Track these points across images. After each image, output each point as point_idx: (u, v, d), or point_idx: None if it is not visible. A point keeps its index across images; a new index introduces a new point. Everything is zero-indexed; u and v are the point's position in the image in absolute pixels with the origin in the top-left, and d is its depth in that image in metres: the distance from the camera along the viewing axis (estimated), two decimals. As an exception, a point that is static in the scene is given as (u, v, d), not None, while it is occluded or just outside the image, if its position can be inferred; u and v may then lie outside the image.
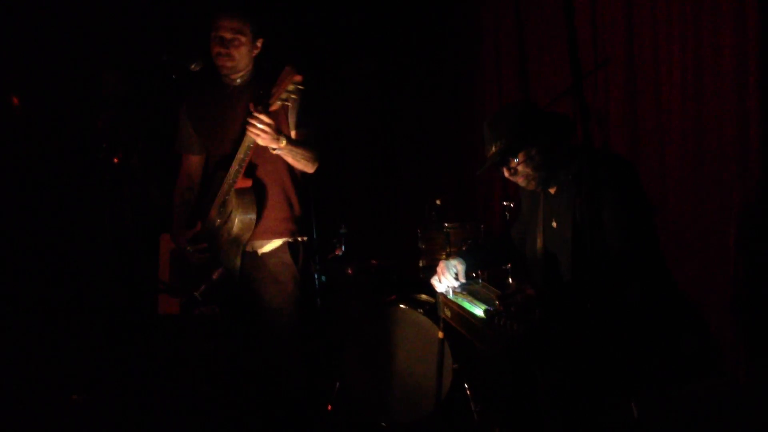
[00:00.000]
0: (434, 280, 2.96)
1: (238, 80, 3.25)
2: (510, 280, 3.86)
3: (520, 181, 2.69)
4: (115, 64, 4.36)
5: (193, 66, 3.09)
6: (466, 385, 3.70)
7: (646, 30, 3.84)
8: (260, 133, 2.91)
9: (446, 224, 4.10)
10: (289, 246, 3.23)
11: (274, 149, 3.00)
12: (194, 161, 3.41)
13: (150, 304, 4.42)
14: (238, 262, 3.16)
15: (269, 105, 2.93)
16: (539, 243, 2.75)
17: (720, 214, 3.46)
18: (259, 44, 3.23)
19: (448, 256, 3.03)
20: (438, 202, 4.31)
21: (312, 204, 3.41)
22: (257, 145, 2.99)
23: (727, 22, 3.36)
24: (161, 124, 3.65)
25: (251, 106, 2.94)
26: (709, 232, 3.52)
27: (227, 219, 3.12)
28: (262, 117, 2.89)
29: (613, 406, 2.40)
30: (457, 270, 2.93)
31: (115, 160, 3.70)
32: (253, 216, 3.11)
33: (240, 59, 3.17)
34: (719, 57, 3.43)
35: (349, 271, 4.39)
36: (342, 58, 5.56)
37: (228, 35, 3.13)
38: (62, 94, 4.68)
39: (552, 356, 2.34)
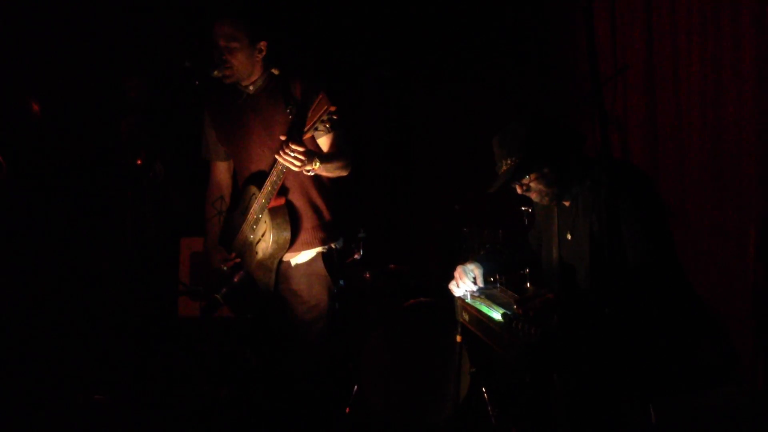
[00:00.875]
0: (452, 285, 2.97)
1: (251, 87, 3.15)
2: (528, 284, 3.86)
3: (534, 196, 2.70)
4: (137, 71, 4.42)
5: (215, 72, 3.00)
6: (484, 389, 3.71)
7: (666, 36, 3.84)
8: (294, 161, 2.83)
9: (464, 229, 4.11)
10: (323, 256, 3.18)
11: (309, 171, 2.93)
12: (222, 167, 3.36)
13: (170, 307, 4.47)
14: (273, 279, 3.11)
15: (303, 134, 2.84)
16: (555, 254, 2.75)
17: (739, 220, 3.45)
18: (262, 47, 3.08)
19: (465, 261, 3.03)
20: (456, 207, 4.32)
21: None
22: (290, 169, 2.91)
23: (747, 27, 3.36)
24: (184, 130, 3.67)
25: (283, 136, 2.86)
26: (729, 239, 3.51)
27: (261, 238, 3.07)
28: (296, 147, 2.81)
29: (630, 411, 2.40)
30: (474, 274, 2.94)
31: (138, 162, 3.72)
32: (288, 235, 3.05)
33: (239, 66, 3.05)
34: (739, 63, 3.42)
35: (367, 276, 4.41)
36: (361, 64, 5.58)
37: (222, 42, 3.02)
38: (85, 100, 4.74)
39: (570, 361, 2.35)
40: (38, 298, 4.35)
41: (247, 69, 3.09)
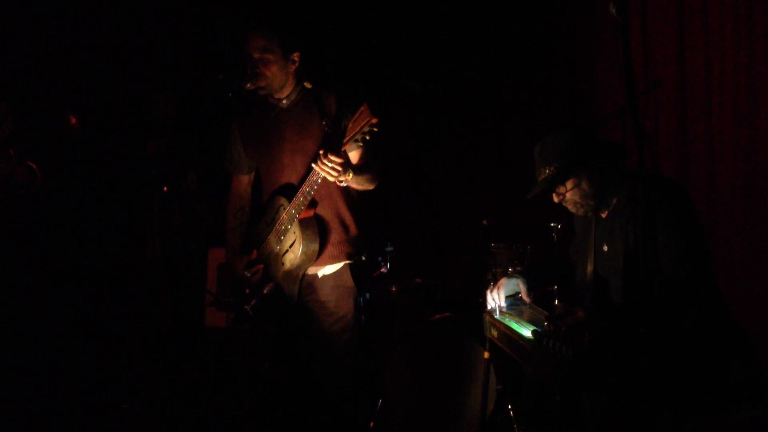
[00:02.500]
0: (488, 292, 2.96)
1: (285, 101, 3.16)
2: (556, 301, 3.83)
3: (569, 207, 2.70)
4: (163, 88, 4.46)
5: (248, 85, 3.02)
6: (510, 407, 3.68)
7: (698, 52, 3.81)
8: (331, 171, 2.81)
9: (493, 244, 4.09)
10: (350, 268, 3.18)
11: (342, 182, 2.93)
12: (244, 180, 3.38)
13: (197, 317, 4.50)
14: (297, 289, 3.10)
15: (343, 145, 2.82)
16: (590, 267, 2.74)
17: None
18: (295, 57, 3.10)
19: (511, 274, 3.02)
20: (484, 222, 4.31)
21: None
22: (324, 180, 2.90)
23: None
24: (215, 142, 3.69)
25: (322, 150, 2.82)
26: (761, 257, 3.47)
27: (288, 249, 3.06)
28: (334, 158, 2.79)
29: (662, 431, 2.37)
30: (519, 290, 2.92)
31: (165, 189, 3.75)
32: (316, 247, 3.05)
33: (273, 78, 3.06)
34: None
35: (394, 289, 4.40)
36: (388, 78, 5.60)
37: (256, 54, 3.03)
38: (116, 114, 4.80)
39: (601, 380, 2.32)
40: (66, 307, 4.39)
41: (280, 81, 3.10)
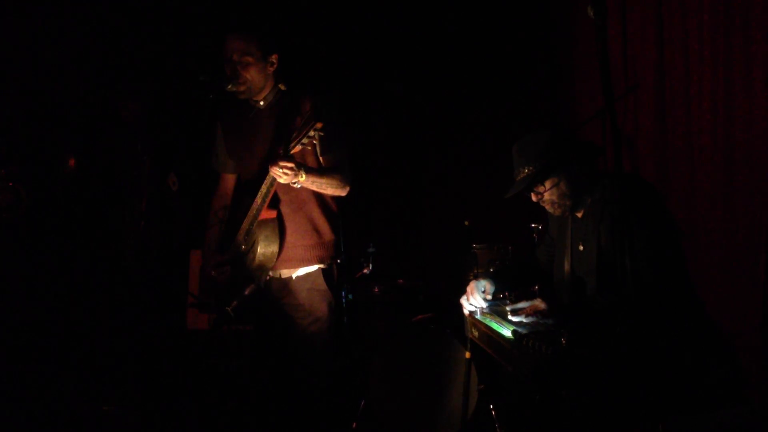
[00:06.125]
0: (463, 299, 2.98)
1: (262, 102, 3.18)
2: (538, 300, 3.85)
3: (547, 207, 2.75)
4: (132, 94, 4.45)
5: (229, 87, 3.03)
6: (492, 407, 3.70)
7: (677, 54, 3.85)
8: (282, 175, 2.88)
9: (474, 245, 4.11)
10: (323, 272, 3.20)
11: (295, 183, 2.95)
12: (230, 179, 3.39)
13: (179, 319, 4.48)
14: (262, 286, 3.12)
15: (289, 149, 2.89)
16: (567, 266, 2.77)
17: (750, 239, 3.44)
18: (273, 59, 3.13)
19: (477, 277, 3.05)
20: (466, 223, 4.33)
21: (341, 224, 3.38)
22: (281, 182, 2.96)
23: (760, 46, 3.36)
24: (197, 142, 3.69)
25: (278, 149, 2.91)
26: (739, 258, 3.50)
27: (250, 249, 3.09)
28: (284, 163, 2.85)
29: (640, 430, 2.39)
30: (485, 289, 2.95)
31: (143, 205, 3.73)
32: (275, 249, 3.08)
33: (253, 80, 3.09)
34: (750, 82, 3.42)
35: (376, 290, 4.41)
36: (371, 80, 5.61)
37: (235, 57, 3.04)
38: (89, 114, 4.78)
39: (580, 379, 2.34)
40: (47, 309, 4.36)
41: (260, 82, 3.12)
